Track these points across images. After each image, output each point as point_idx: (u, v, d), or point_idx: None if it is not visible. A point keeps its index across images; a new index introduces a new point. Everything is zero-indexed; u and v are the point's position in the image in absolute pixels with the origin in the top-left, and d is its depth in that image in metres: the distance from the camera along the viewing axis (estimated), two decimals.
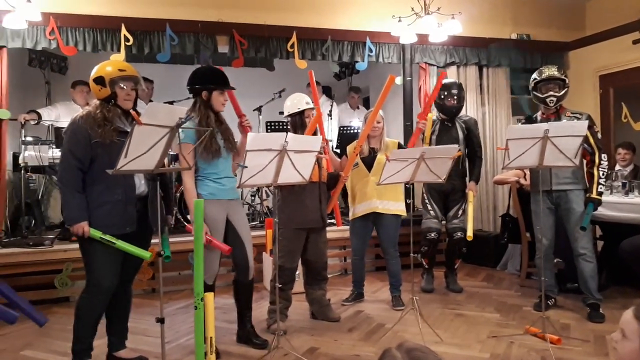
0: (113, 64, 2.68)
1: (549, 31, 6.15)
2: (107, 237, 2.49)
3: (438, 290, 4.35)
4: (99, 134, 2.50)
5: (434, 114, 4.41)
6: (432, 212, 4.24)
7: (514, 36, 6.03)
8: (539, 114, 3.74)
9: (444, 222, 4.30)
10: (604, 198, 3.94)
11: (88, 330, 2.63)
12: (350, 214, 3.97)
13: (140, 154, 2.04)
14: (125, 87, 2.60)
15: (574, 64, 6.22)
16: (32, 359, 3.00)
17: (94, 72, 2.62)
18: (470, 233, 3.75)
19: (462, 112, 4.43)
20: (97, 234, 2.48)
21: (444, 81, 4.53)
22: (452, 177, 3.96)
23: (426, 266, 4.37)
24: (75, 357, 2.63)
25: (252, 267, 3.07)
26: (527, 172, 3.94)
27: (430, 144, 4.21)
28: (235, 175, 3.16)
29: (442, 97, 4.20)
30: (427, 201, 4.28)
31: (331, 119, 6.29)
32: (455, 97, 4.22)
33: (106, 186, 2.53)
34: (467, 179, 4.32)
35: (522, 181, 4.26)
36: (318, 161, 3.28)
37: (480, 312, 3.75)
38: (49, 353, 3.03)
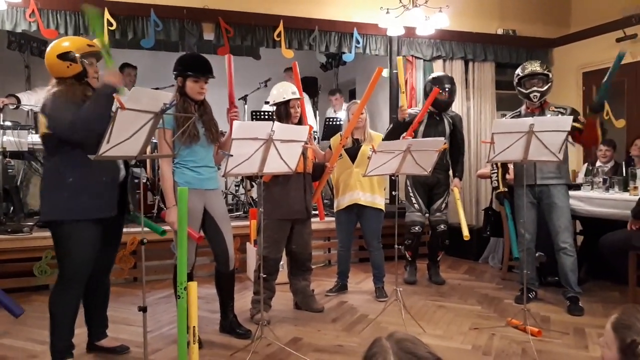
0: (75, 39, 2.55)
1: (535, 27, 6.20)
2: None
3: (421, 282, 4.38)
4: None
5: (418, 107, 4.41)
6: (415, 205, 4.26)
7: (500, 31, 6.06)
8: (522, 109, 3.76)
9: (427, 214, 4.33)
10: (585, 194, 4.03)
11: (67, 327, 2.53)
12: (335, 205, 3.96)
13: (123, 139, 1.99)
14: (93, 63, 2.48)
15: (558, 61, 6.28)
16: (10, 347, 2.94)
17: (56, 48, 2.44)
18: (466, 232, 3.75)
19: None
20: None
21: (436, 74, 4.54)
22: (436, 171, 3.97)
23: (409, 258, 4.40)
24: (56, 357, 2.51)
25: (232, 258, 3.03)
26: (511, 167, 3.97)
27: (416, 137, 4.21)
28: (219, 167, 3.13)
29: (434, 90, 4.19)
30: (411, 194, 4.29)
31: (317, 109, 6.28)
32: (448, 91, 4.22)
33: (91, 168, 2.39)
34: (451, 173, 4.35)
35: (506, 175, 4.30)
36: (303, 152, 3.25)
37: (462, 304, 3.78)
38: (27, 341, 2.97)
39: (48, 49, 2.48)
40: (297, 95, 3.40)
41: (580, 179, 4.75)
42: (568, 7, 6.32)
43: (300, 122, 3.44)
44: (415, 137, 4.24)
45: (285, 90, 3.38)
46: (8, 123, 4.63)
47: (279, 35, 5.13)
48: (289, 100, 3.34)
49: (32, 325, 3.20)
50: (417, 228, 4.22)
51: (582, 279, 4.03)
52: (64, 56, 2.43)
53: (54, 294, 2.52)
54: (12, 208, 4.78)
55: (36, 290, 4.01)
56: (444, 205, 4.28)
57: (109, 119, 1.98)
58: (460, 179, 4.33)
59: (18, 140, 4.52)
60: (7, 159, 4.73)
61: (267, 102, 3.72)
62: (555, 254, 3.65)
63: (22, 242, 4.04)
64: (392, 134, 4.08)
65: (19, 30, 4.52)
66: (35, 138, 4.56)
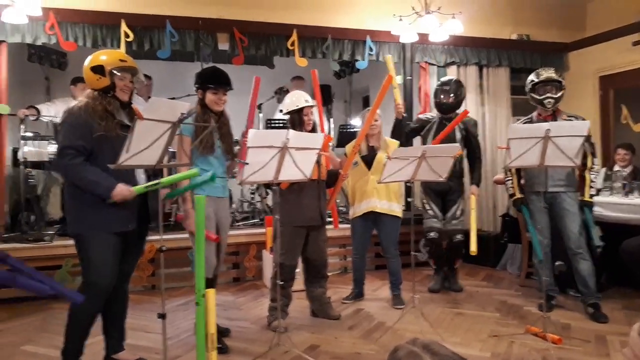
0: (112, 53, 2.60)
1: (549, 32, 6.16)
2: (151, 183, 2.36)
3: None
4: (102, 127, 2.42)
5: (430, 113, 4.38)
6: (430, 211, 4.22)
7: (514, 36, 6.03)
8: (534, 115, 3.74)
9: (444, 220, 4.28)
10: (604, 199, 3.99)
11: (81, 332, 2.55)
12: (351, 213, 3.96)
13: (142, 149, 2.03)
14: (124, 77, 2.53)
15: (574, 65, 6.23)
16: (32, 354, 2.99)
17: (91, 61, 2.52)
18: (473, 247, 3.59)
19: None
20: (140, 188, 2.37)
21: (444, 78, 4.45)
22: (449, 178, 3.94)
23: (434, 267, 4.34)
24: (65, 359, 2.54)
25: (221, 264, 3.19)
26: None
27: (426, 144, 4.17)
28: (232, 176, 3.20)
29: (438, 93, 4.17)
30: (424, 201, 4.26)
31: (332, 117, 6.30)
32: (452, 94, 4.17)
33: None
34: (467, 179, 4.30)
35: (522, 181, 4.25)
36: (317, 159, 3.27)
37: (480, 311, 3.75)
38: (50, 348, 3.01)
39: (87, 60, 2.54)
40: (310, 103, 3.43)
41: (599, 184, 4.69)
42: (583, 10, 6.27)
43: (314, 129, 3.47)
44: (425, 142, 4.22)
45: (299, 98, 3.41)
46: (29, 134, 4.73)
47: (292, 44, 5.17)
48: (302, 108, 3.38)
49: (54, 332, 3.24)
50: (432, 234, 4.18)
51: (603, 285, 3.97)
52: (95, 69, 2.50)
53: None
54: (33, 217, 4.87)
55: (56, 297, 4.04)
56: (459, 212, 4.22)
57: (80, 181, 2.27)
58: (478, 186, 4.24)
59: (38, 150, 4.61)
60: (27, 169, 4.83)
61: (281, 111, 3.76)
62: (571, 260, 3.61)
63: (43, 251, 4.11)
64: (394, 133, 4.04)
65: (39, 43, 4.61)
66: (54, 148, 4.65)
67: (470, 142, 4.23)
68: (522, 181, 3.86)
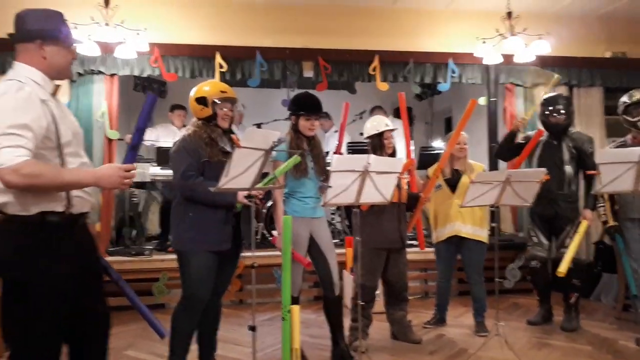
0: (214, 84, 2.84)
1: None
2: (268, 179, 2.48)
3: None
4: (207, 153, 2.66)
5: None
6: (534, 238, 3.96)
7: (608, 54, 5.75)
8: (629, 138, 3.56)
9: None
10: None
11: (183, 344, 2.74)
12: (434, 237, 3.95)
13: (239, 173, 2.23)
14: (225, 107, 2.76)
15: None
16: (134, 358, 3.28)
17: (196, 92, 2.77)
18: (562, 268, 3.36)
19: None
20: (259, 186, 2.47)
21: (548, 95, 3.99)
22: (555, 202, 3.76)
23: (537, 297, 4.11)
24: None
25: (337, 282, 3.15)
26: None
27: (531, 165, 3.92)
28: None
29: (547, 113, 3.85)
30: (530, 227, 4.04)
31: (412, 139, 6.31)
32: (563, 113, 3.79)
33: (207, 206, 2.65)
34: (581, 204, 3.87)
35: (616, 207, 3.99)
36: (397, 183, 3.32)
37: (570, 343, 3.57)
38: (150, 355, 3.30)
39: (192, 91, 2.81)
40: (391, 127, 3.51)
41: None
42: None
43: (394, 153, 3.55)
44: (530, 163, 3.96)
45: (380, 123, 3.52)
46: None
47: (374, 69, 5.30)
48: (382, 132, 3.47)
49: (154, 339, 3.49)
50: (533, 263, 3.94)
51: None
52: (199, 100, 2.75)
53: (176, 310, 2.76)
54: (134, 232, 5.33)
55: (154, 308, 4.40)
56: (568, 241, 3.71)
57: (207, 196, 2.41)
58: (592, 210, 3.76)
59: (142, 171, 5.06)
60: (131, 189, 5.31)
61: (361, 134, 3.87)
62: None
63: (143, 264, 4.49)
64: (502, 144, 4.08)
65: (145, 75, 5.11)
66: (156, 170, 5.09)
67: (584, 162, 3.77)
68: (617, 207, 3.67)
